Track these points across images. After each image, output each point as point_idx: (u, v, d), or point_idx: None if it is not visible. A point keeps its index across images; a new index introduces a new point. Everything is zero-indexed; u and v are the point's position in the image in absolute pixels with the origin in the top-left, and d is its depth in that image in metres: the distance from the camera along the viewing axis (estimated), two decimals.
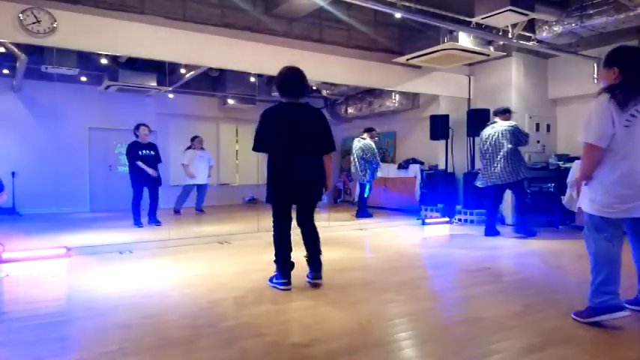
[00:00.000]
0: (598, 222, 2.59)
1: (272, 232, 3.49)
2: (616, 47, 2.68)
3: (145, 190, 6.82)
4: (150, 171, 6.69)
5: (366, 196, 8.02)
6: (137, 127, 6.83)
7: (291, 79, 3.47)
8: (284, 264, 3.41)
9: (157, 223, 6.81)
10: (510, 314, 2.84)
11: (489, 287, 3.51)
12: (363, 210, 7.99)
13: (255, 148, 3.42)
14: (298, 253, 3.61)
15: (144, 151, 6.77)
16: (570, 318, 2.71)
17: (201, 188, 8.88)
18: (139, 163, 6.66)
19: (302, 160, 3.39)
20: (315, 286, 3.44)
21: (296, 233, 3.62)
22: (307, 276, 3.51)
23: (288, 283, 3.38)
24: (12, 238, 5.34)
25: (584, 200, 2.66)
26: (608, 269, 2.53)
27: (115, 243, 5.20)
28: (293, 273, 3.46)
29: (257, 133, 3.41)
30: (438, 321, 2.77)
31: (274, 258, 3.45)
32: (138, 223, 6.67)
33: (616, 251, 2.57)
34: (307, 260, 3.53)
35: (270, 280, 3.48)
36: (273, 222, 3.49)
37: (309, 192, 3.51)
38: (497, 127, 5.98)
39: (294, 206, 3.54)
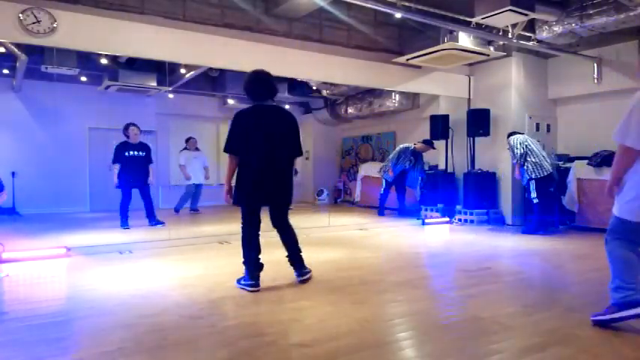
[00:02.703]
0: (624, 226, 2.47)
1: (240, 234, 3.49)
2: None
3: (135, 192, 6.72)
4: (114, 180, 6.56)
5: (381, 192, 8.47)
6: (126, 127, 6.69)
7: (260, 81, 3.47)
8: (253, 265, 3.40)
9: (160, 223, 6.78)
10: (510, 314, 2.84)
11: (489, 287, 3.51)
12: (401, 209, 8.37)
13: (227, 150, 3.40)
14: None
15: (131, 152, 6.63)
16: (570, 318, 2.71)
17: (198, 188, 8.90)
18: (115, 169, 6.58)
19: (274, 163, 3.41)
20: (304, 281, 3.54)
21: (271, 235, 3.62)
22: (295, 274, 3.59)
23: (257, 284, 3.36)
24: (12, 238, 5.35)
25: (617, 203, 2.53)
26: (628, 270, 2.47)
27: (115, 243, 5.20)
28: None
29: (229, 135, 3.39)
30: (438, 321, 2.77)
31: (243, 260, 3.44)
32: (125, 224, 6.59)
33: (635, 256, 2.47)
34: (290, 261, 3.58)
35: (238, 281, 3.46)
36: (243, 224, 3.49)
37: (281, 194, 3.51)
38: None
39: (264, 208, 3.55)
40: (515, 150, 6.15)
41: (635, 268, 2.49)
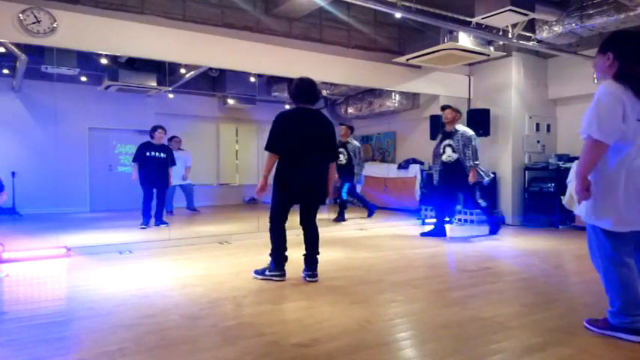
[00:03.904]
0: (604, 237, 2.33)
1: (269, 227, 3.64)
2: (613, 32, 2.41)
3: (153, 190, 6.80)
4: (133, 175, 6.67)
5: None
6: (154, 128, 6.80)
7: (307, 86, 3.66)
8: (282, 256, 3.60)
9: (164, 223, 6.80)
10: (510, 314, 2.84)
11: (489, 287, 3.51)
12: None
13: (268, 148, 3.54)
14: (298, 253, 3.64)
15: (153, 153, 6.73)
16: (570, 318, 2.72)
17: (184, 188, 8.85)
18: (133, 167, 6.68)
19: (312, 163, 3.58)
20: (310, 282, 3.60)
21: (296, 233, 3.68)
22: (303, 273, 3.67)
23: (284, 274, 3.58)
24: (12, 238, 5.34)
25: (584, 208, 2.36)
26: (626, 292, 2.30)
27: (115, 243, 5.20)
28: (300, 271, 3.62)
29: (272, 134, 3.54)
30: (438, 321, 2.77)
31: (270, 252, 3.61)
32: (145, 223, 6.62)
33: (629, 270, 2.30)
34: (305, 258, 3.67)
35: (262, 272, 3.61)
36: (272, 218, 3.62)
37: (315, 194, 3.66)
38: None
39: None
40: (477, 150, 5.74)
41: (636, 288, 2.31)
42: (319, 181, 3.65)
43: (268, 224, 3.65)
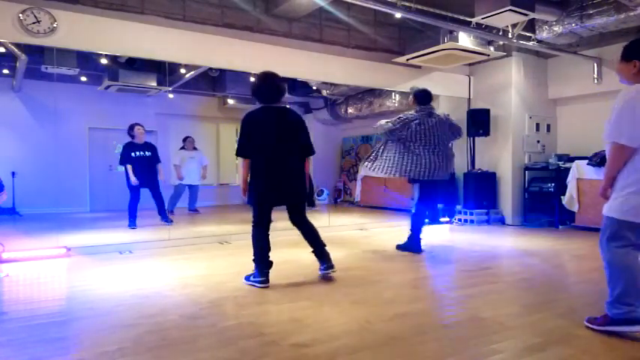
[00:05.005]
0: (618, 227, 2.43)
1: (251, 233, 3.56)
2: (636, 39, 2.50)
3: (144, 191, 6.75)
4: (132, 179, 6.50)
5: None
6: (131, 127, 6.69)
7: (270, 83, 3.52)
8: (263, 263, 3.49)
9: (169, 221, 6.77)
10: (510, 314, 2.84)
11: (489, 287, 3.51)
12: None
13: (239, 154, 3.49)
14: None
15: (138, 153, 6.65)
16: (570, 318, 2.72)
17: (192, 189, 8.83)
18: (129, 169, 6.55)
19: (285, 163, 3.48)
20: (329, 279, 3.60)
21: (297, 233, 3.68)
22: (320, 269, 3.64)
23: (266, 281, 3.46)
24: (12, 238, 5.34)
25: (617, 206, 2.46)
26: (626, 279, 2.38)
27: (115, 243, 5.20)
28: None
29: (241, 139, 3.46)
30: (438, 321, 2.77)
31: (253, 257, 3.51)
32: (132, 224, 6.60)
33: (635, 258, 2.40)
34: (315, 255, 3.65)
35: (247, 278, 3.54)
36: (254, 223, 3.55)
37: (294, 193, 3.59)
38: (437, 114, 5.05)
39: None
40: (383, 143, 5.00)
41: (636, 277, 2.39)
42: (295, 178, 3.55)
43: (251, 229, 3.56)
